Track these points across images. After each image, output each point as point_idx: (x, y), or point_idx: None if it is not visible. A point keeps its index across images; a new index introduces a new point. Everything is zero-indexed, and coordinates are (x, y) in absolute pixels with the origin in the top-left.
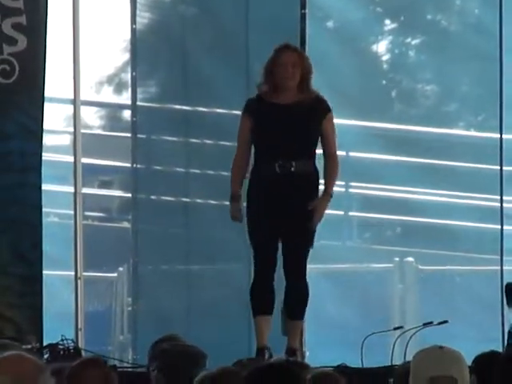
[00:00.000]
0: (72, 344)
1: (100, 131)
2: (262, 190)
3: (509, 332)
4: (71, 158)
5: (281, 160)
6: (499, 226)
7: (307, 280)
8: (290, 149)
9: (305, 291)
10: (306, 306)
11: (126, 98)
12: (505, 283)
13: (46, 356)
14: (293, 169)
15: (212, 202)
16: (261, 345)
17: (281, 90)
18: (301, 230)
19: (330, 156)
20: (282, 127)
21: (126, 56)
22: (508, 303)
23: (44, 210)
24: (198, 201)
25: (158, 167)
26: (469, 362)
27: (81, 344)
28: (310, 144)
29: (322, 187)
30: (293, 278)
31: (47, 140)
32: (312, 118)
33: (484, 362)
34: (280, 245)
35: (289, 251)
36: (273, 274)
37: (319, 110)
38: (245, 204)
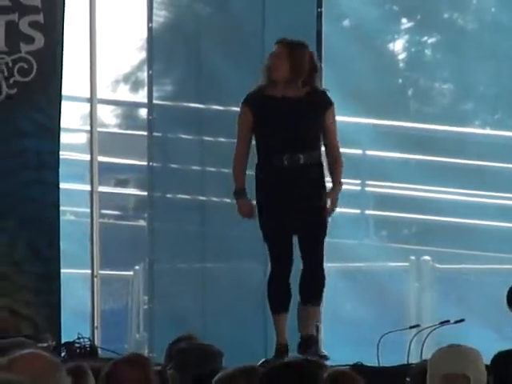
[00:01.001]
0: (88, 342)
1: (116, 129)
2: (271, 183)
3: None
4: (88, 157)
5: (288, 153)
6: None
7: (324, 269)
8: (297, 142)
9: (322, 277)
10: (323, 291)
11: (142, 96)
12: None
13: (62, 354)
14: (301, 161)
15: (227, 200)
16: (282, 342)
17: (279, 84)
18: (314, 221)
19: (332, 148)
20: (286, 120)
21: (143, 54)
22: (509, 305)
23: (60, 208)
24: (214, 199)
25: (174, 165)
26: (485, 360)
27: (97, 342)
28: (314, 136)
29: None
30: (311, 265)
31: (64, 138)
32: (314, 110)
33: (502, 361)
34: (296, 237)
35: (305, 242)
36: (289, 271)
37: (321, 102)
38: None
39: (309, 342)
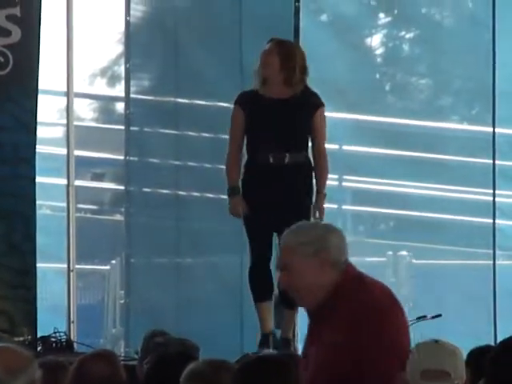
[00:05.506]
0: (64, 337)
1: (93, 123)
2: (256, 180)
3: None
4: (64, 151)
5: (274, 152)
6: (492, 220)
7: None
8: (283, 141)
9: None
10: None
11: (119, 90)
12: (498, 278)
13: (38, 348)
14: (286, 160)
15: (205, 194)
16: (266, 330)
17: (269, 84)
18: (293, 223)
19: (318, 152)
20: (274, 119)
21: (120, 48)
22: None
23: (37, 202)
24: (191, 193)
25: (150, 160)
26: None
27: (73, 337)
28: (301, 136)
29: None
30: None
31: (40, 132)
32: (303, 110)
33: (478, 356)
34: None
35: None
36: (269, 263)
37: (311, 103)
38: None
39: (284, 345)
